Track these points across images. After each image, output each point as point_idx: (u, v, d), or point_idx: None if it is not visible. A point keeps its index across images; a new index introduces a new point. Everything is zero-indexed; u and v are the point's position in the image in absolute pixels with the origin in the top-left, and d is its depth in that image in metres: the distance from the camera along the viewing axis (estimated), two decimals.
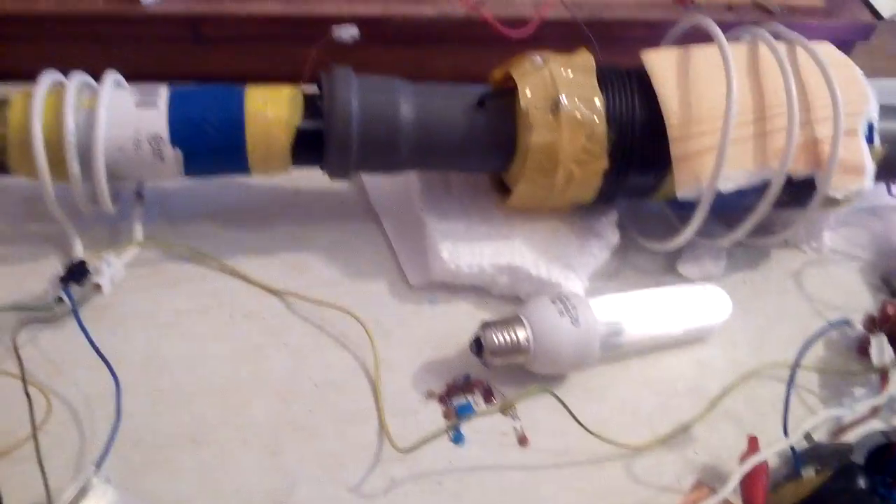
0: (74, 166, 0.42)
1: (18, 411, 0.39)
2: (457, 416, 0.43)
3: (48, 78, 0.44)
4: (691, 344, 0.48)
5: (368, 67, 0.46)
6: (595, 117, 0.45)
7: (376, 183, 0.54)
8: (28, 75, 0.44)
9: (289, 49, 0.52)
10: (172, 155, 0.44)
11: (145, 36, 0.55)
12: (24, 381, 0.39)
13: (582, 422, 0.41)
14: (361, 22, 0.52)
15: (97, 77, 0.45)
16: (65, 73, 0.45)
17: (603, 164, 0.46)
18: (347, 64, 0.46)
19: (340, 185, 0.53)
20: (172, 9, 0.54)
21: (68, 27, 0.54)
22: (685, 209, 0.48)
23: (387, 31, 0.56)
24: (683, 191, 0.47)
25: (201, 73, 0.56)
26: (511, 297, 0.49)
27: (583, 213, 0.51)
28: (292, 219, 0.51)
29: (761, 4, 0.61)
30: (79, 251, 0.46)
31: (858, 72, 0.50)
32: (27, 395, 0.38)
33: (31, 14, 0.53)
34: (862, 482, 0.37)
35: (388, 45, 0.57)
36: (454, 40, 0.59)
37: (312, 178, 0.48)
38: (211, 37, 0.56)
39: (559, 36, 0.52)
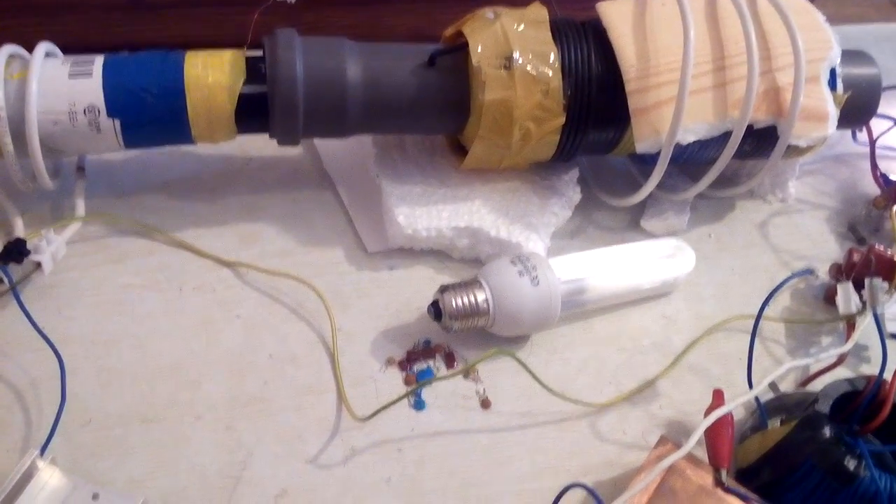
0: (7, 142, 0.41)
1: None
2: (417, 382, 0.42)
3: None
4: (656, 299, 0.47)
5: (320, 30, 0.44)
6: (550, 72, 0.44)
7: (330, 148, 0.52)
8: None
9: (234, 13, 0.50)
10: (110, 126, 0.42)
11: (83, 4, 0.53)
12: None
13: (546, 382, 0.40)
14: None
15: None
16: None
17: (560, 120, 0.45)
18: (298, 27, 0.44)
19: (293, 152, 0.52)
20: None
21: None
22: (648, 163, 0.47)
23: None
24: (642, 145, 0.45)
25: (144, 41, 0.53)
26: (472, 260, 0.48)
27: (543, 172, 0.50)
28: (244, 188, 0.50)
29: None
30: (20, 230, 0.44)
31: (820, 17, 0.49)
32: None
33: None
34: (827, 431, 0.37)
35: (339, 5, 0.55)
36: None
37: (264, 145, 0.47)
38: (151, 2, 0.54)
39: None
